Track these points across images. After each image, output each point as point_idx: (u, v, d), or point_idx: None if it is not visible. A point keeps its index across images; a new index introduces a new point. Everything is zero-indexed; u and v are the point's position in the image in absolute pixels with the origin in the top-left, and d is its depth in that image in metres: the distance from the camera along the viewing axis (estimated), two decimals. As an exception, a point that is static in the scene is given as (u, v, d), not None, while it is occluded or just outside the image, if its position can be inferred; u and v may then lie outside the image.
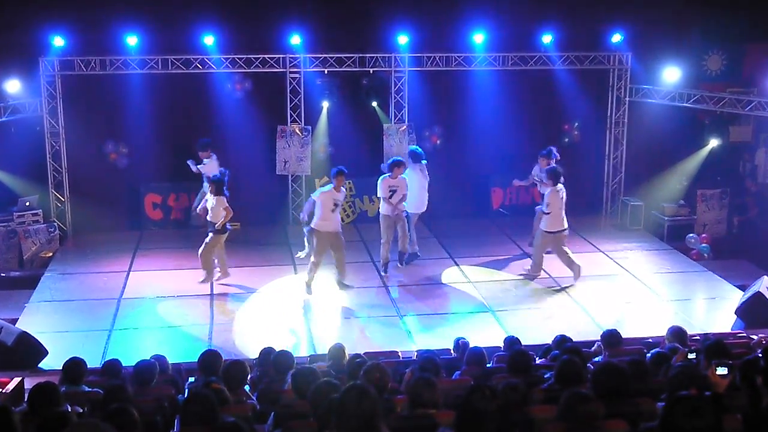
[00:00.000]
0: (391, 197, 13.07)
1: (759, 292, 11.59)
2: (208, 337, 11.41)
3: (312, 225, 12.59)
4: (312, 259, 12.68)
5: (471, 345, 8.85)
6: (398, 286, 13.31)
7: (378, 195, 13.45)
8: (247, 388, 7.05)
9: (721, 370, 5.81)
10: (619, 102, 17.19)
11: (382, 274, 13.54)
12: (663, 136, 17.11)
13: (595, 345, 8.81)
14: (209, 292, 13.03)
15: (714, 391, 5.71)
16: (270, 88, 16.28)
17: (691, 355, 7.06)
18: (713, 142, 16.79)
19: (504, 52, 16.33)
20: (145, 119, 15.67)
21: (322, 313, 12.41)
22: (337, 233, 12.65)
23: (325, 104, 16.38)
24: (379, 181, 13.31)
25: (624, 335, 8.69)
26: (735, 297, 12.61)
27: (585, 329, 11.45)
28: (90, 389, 7.19)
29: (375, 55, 16.00)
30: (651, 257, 15.05)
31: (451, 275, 13.96)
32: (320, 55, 15.84)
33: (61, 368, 7.56)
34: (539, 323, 11.91)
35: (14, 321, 11.52)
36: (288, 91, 15.95)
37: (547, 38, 16.44)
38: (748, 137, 17.07)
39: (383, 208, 13.33)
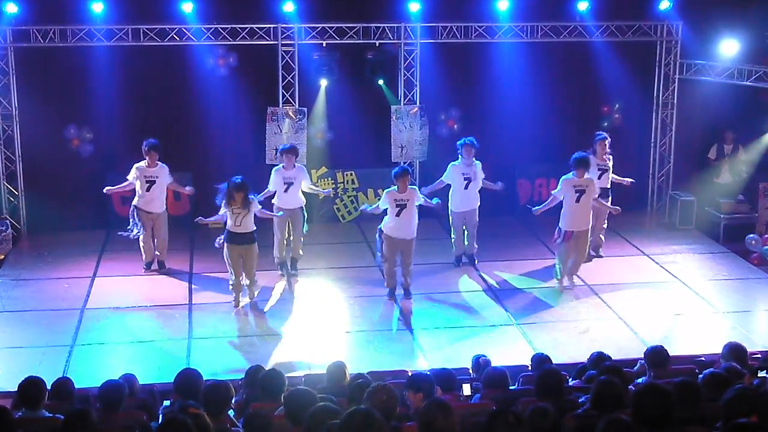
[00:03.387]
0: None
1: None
2: (186, 354, 11.42)
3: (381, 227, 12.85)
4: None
5: (493, 364, 8.87)
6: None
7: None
8: (231, 413, 7.07)
9: (787, 394, 5.82)
10: (667, 80, 17.15)
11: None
12: (719, 119, 17.06)
13: (638, 364, 8.82)
14: (187, 302, 13.08)
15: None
16: (259, 64, 16.28)
17: (762, 373, 7.05)
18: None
19: (533, 21, 16.30)
20: (113, 100, 15.68)
21: (320, 326, 12.43)
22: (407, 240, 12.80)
23: (323, 82, 16.36)
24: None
25: (672, 352, 8.70)
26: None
27: (626, 345, 11.45)
28: (51, 415, 7.21)
29: (382, 24, 15.99)
30: (704, 262, 15.02)
31: (470, 282, 13.99)
32: (317, 25, 15.84)
33: (14, 390, 7.58)
34: (573, 338, 11.91)
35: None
36: (280, 66, 15.96)
37: (583, 5, 16.39)
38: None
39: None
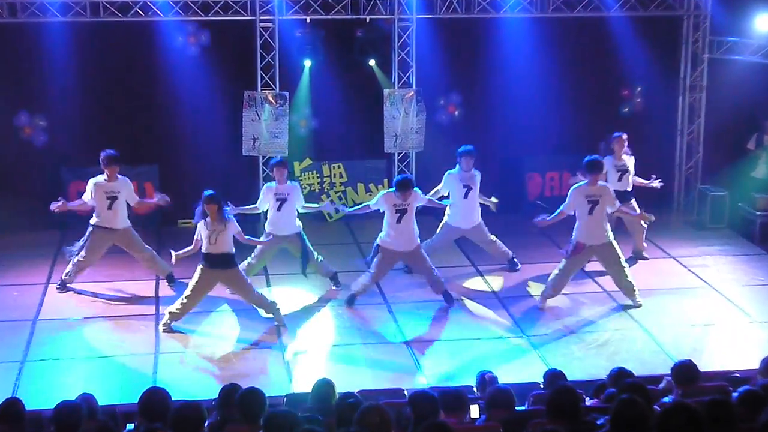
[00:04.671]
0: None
1: None
2: (153, 371, 11.41)
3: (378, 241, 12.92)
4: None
5: (500, 381, 8.85)
6: (404, 304, 13.28)
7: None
8: (203, 437, 7.04)
9: (833, 414, 5.80)
10: (695, 59, 17.19)
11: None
12: (753, 103, 17.07)
13: (664, 381, 8.82)
14: (153, 312, 13.05)
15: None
16: (234, 42, 16.31)
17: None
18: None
19: (543, -7, 16.37)
20: (70, 83, 15.70)
21: (304, 339, 12.43)
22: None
23: (307, 63, 16.37)
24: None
25: (702, 368, 8.70)
26: None
27: (651, 360, 11.49)
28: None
29: (373, -3, 16.02)
30: (738, 265, 15.07)
31: (473, 289, 14.01)
32: (300, -2, 15.86)
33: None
34: (590, 352, 11.93)
35: None
36: (258, 45, 15.93)
37: (600, -25, 16.47)
38: None
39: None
